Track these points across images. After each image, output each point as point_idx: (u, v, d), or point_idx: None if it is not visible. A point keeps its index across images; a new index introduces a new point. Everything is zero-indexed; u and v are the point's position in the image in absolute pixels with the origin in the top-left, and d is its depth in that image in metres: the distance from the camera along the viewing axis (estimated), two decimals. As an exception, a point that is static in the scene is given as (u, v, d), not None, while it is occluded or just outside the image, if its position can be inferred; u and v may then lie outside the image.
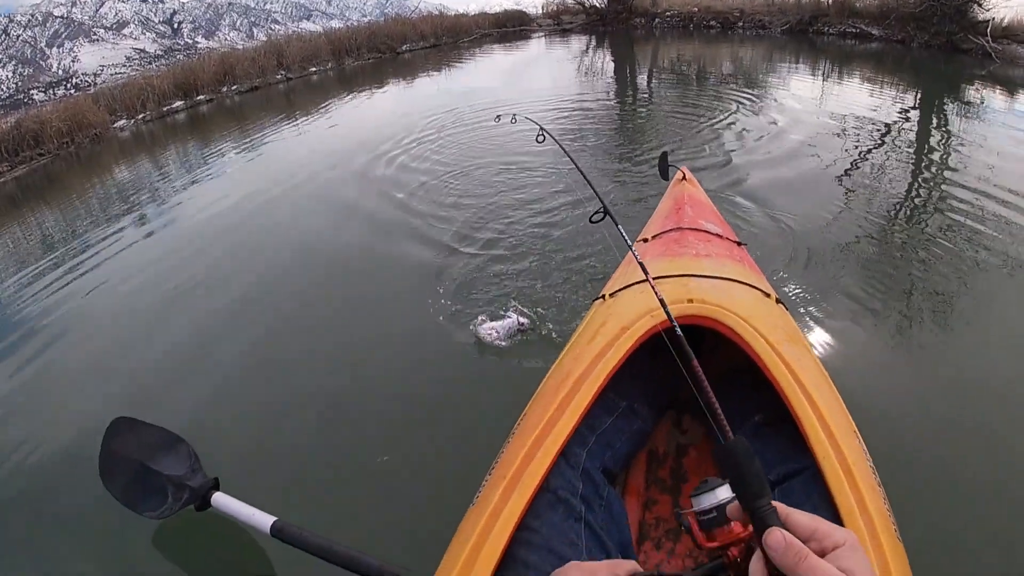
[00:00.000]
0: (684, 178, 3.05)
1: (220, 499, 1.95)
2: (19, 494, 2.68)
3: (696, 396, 1.14)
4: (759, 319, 1.60)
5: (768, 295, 1.90)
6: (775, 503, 0.69)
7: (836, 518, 1.14)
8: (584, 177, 2.17)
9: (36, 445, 2.95)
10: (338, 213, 5.46)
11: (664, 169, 3.27)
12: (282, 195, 6.26)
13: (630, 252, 2.40)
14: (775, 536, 0.65)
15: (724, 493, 0.75)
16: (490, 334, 2.99)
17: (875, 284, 3.30)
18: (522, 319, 3.05)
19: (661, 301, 1.46)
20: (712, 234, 2.31)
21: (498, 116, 3.30)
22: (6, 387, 3.49)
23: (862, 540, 1.09)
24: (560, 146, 2.43)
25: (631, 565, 0.83)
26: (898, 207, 4.42)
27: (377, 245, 4.59)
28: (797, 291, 3.24)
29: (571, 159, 2.29)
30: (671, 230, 2.34)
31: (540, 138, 2.56)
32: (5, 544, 2.46)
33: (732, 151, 5.84)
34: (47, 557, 2.36)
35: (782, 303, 1.95)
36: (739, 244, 2.39)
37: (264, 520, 1.63)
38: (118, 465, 2.23)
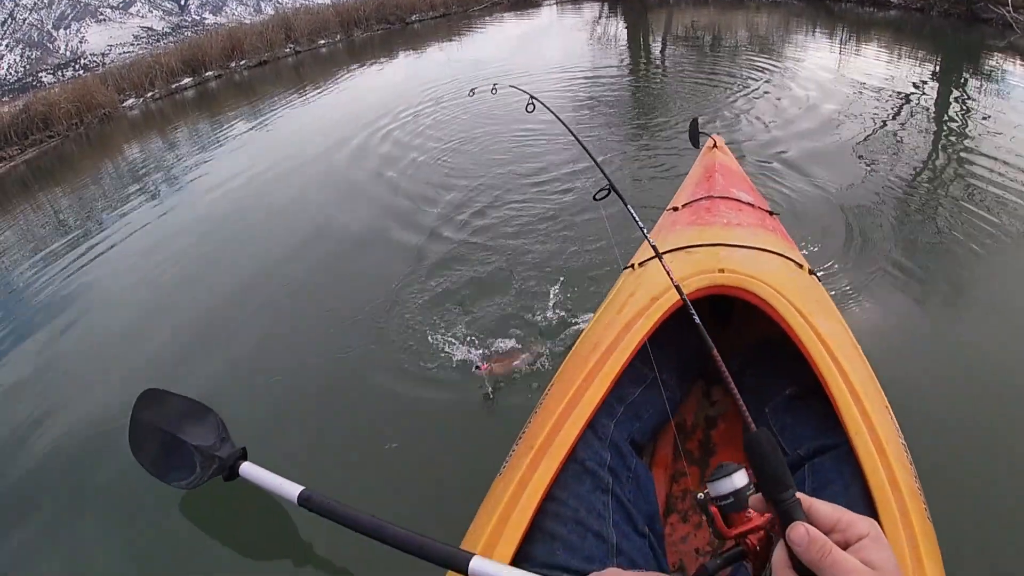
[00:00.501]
0: (715, 146, 2.98)
1: (248, 469, 1.95)
2: (51, 466, 2.73)
3: (727, 368, 1.12)
4: (791, 290, 1.56)
5: (801, 266, 1.86)
6: (799, 494, 0.68)
7: (867, 496, 1.12)
8: (586, 151, 2.09)
9: (67, 418, 3.01)
10: (357, 186, 5.43)
11: (695, 136, 3.19)
12: (297, 168, 6.25)
13: (659, 221, 2.37)
14: (799, 531, 0.64)
15: (741, 479, 0.75)
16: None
17: (913, 257, 3.20)
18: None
19: (677, 286, 1.42)
20: (744, 203, 2.26)
21: (472, 90, 3.11)
22: (37, 363, 3.56)
23: (892, 520, 1.06)
24: (556, 116, 2.35)
25: None
26: (935, 176, 4.31)
27: (397, 214, 4.58)
28: (831, 262, 3.16)
29: (570, 131, 2.20)
30: (701, 198, 2.28)
31: (530, 107, 2.42)
32: (38, 515, 2.50)
33: (751, 120, 5.73)
34: (78, 527, 2.41)
35: (815, 274, 1.90)
36: (771, 214, 2.34)
37: (292, 489, 1.64)
38: (147, 436, 2.25)
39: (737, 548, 0.75)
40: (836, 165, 4.50)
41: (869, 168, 4.42)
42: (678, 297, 1.53)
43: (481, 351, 2.75)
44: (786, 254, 1.85)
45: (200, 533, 2.23)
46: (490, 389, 2.56)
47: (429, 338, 2.96)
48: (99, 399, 3.09)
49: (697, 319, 1.21)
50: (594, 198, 1.74)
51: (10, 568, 2.32)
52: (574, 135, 2.17)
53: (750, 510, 0.74)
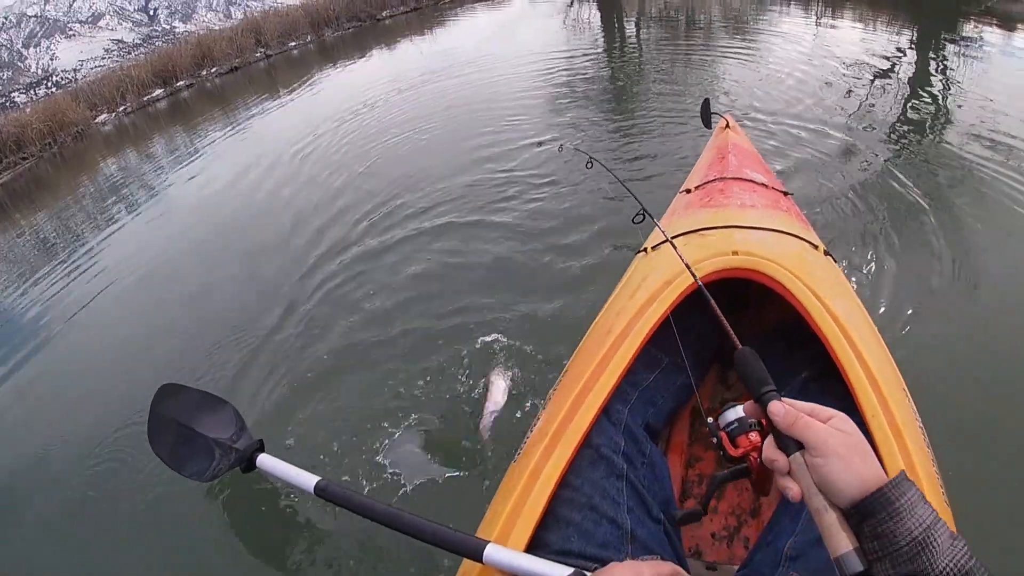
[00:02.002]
0: (727, 126, 2.94)
1: (265, 460, 1.96)
2: (73, 459, 2.78)
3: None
4: (806, 272, 1.53)
5: (816, 247, 1.83)
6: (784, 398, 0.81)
7: None
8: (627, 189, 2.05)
9: (88, 415, 3.07)
10: (351, 179, 5.49)
11: (706, 117, 3.14)
12: (290, 164, 6.33)
13: (672, 204, 2.35)
14: (776, 405, 0.79)
15: (741, 410, 0.92)
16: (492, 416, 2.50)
17: (931, 237, 3.15)
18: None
19: (691, 269, 1.40)
20: (758, 184, 2.23)
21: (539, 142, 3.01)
22: (56, 366, 3.67)
23: None
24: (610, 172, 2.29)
25: (670, 568, 0.88)
26: (935, 146, 4.28)
27: (400, 202, 4.63)
28: (846, 242, 3.12)
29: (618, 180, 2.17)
30: (714, 180, 2.26)
31: (589, 165, 2.44)
32: (62, 505, 2.56)
33: (730, 97, 5.72)
34: (101, 518, 2.46)
35: (830, 255, 1.87)
36: (786, 194, 2.31)
37: (308, 480, 1.64)
38: (166, 429, 2.26)
39: (742, 465, 0.90)
40: (821, 140, 4.49)
41: (860, 141, 4.41)
42: (691, 281, 1.52)
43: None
44: (801, 235, 1.83)
45: (220, 523, 2.27)
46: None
47: (445, 329, 2.97)
48: (119, 395, 3.14)
49: (711, 299, 1.20)
50: (632, 221, 1.81)
51: (34, 556, 2.36)
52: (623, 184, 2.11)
53: (752, 433, 0.91)
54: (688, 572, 1.17)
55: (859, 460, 0.72)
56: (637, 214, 1.82)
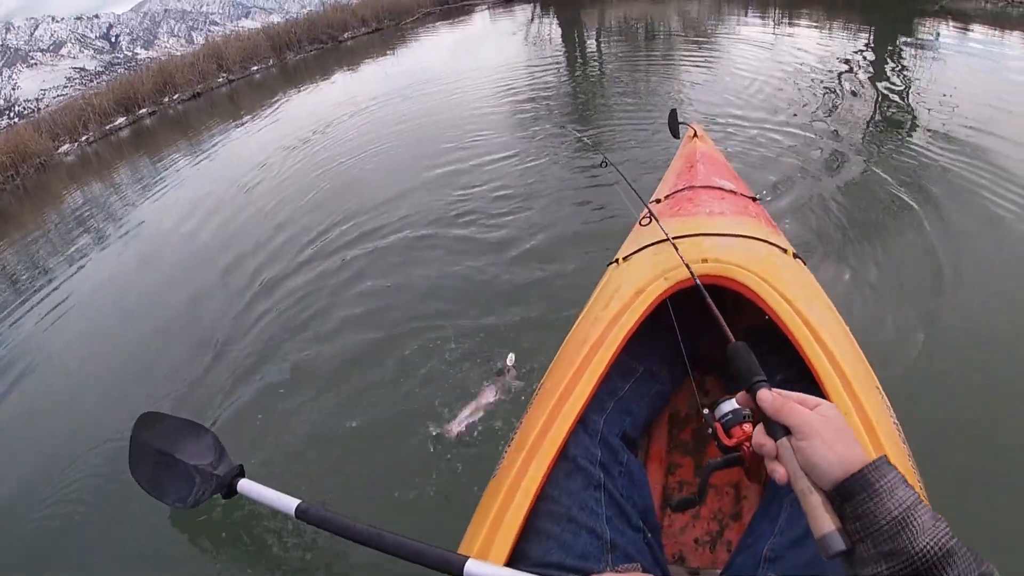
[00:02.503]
0: (696, 135, 2.98)
1: (246, 485, 1.96)
2: (54, 491, 2.73)
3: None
4: (776, 276, 1.56)
5: (785, 251, 1.86)
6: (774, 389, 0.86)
7: None
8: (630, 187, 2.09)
9: (68, 445, 3.01)
10: (324, 200, 5.49)
11: (674, 127, 3.15)
12: (256, 186, 6.36)
13: (643, 213, 2.37)
14: (764, 392, 0.84)
15: (735, 402, 0.95)
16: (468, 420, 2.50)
17: (900, 233, 3.22)
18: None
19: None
20: (726, 191, 2.26)
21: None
22: (33, 397, 3.61)
23: None
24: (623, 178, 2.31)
25: None
26: (888, 142, 4.42)
27: (373, 219, 4.63)
28: (816, 244, 3.18)
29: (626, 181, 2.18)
30: (683, 189, 2.28)
31: (603, 164, 2.39)
32: (41, 537, 2.51)
33: (692, 104, 5.82)
34: (80, 549, 2.42)
35: (800, 258, 1.90)
36: (755, 199, 2.34)
37: (289, 503, 1.65)
38: (146, 458, 2.25)
39: (736, 454, 0.94)
40: (786, 144, 4.59)
41: (824, 142, 4.52)
42: (663, 289, 1.54)
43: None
44: (770, 240, 1.85)
45: (202, 550, 2.24)
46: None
47: (422, 348, 2.97)
48: (97, 425, 3.08)
49: (707, 297, 1.23)
50: (639, 223, 1.93)
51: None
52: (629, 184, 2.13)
53: (745, 424, 0.94)
54: None
55: (842, 444, 0.75)
56: (643, 217, 1.91)
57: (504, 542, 1.10)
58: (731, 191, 2.27)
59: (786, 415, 0.80)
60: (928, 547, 0.66)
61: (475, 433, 2.40)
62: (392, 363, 2.94)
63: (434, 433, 2.43)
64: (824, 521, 0.73)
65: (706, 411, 0.98)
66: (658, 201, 2.34)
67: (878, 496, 0.70)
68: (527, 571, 1.03)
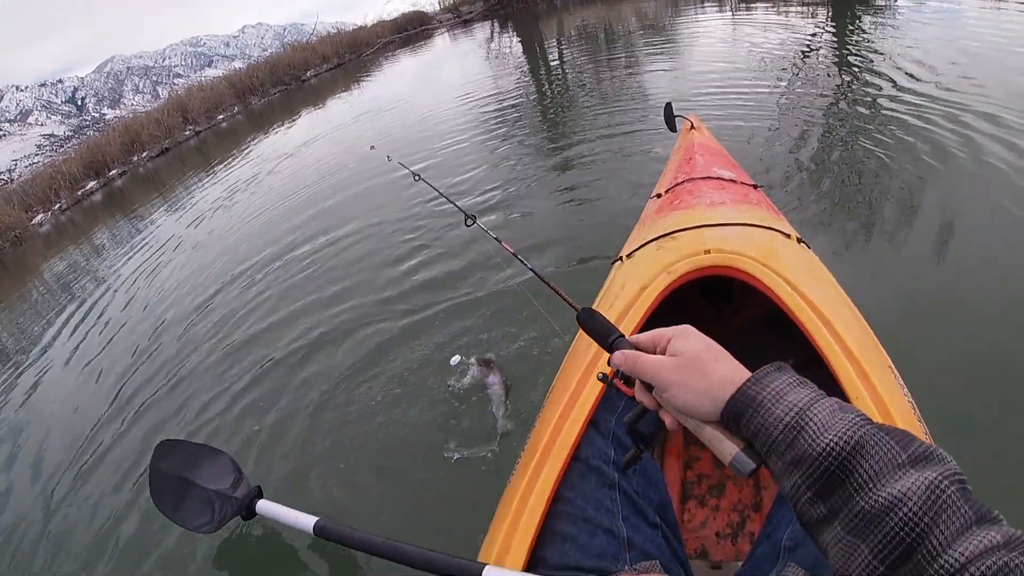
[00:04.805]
0: (692, 127, 2.97)
1: (265, 506, 1.97)
2: (79, 518, 2.77)
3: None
4: (781, 262, 1.55)
5: (789, 236, 1.84)
6: (628, 336, 0.86)
7: None
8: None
9: (92, 478, 3.05)
10: (320, 225, 5.54)
11: (670, 120, 3.15)
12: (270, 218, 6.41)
13: (644, 211, 2.37)
14: (615, 357, 0.82)
15: None
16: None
17: (903, 205, 3.19)
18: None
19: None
20: (726, 180, 2.25)
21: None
22: (55, 432, 3.67)
23: None
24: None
25: None
26: (864, 115, 4.45)
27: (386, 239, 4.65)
28: (819, 226, 3.18)
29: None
30: (683, 182, 2.27)
31: (416, 178, 2.67)
32: (69, 566, 2.53)
33: (664, 99, 5.82)
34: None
35: (804, 242, 1.89)
36: (755, 187, 2.33)
37: (307, 521, 1.65)
38: (167, 485, 2.27)
39: (640, 405, 0.86)
40: (772, 126, 4.62)
41: (809, 118, 4.58)
42: (666, 284, 1.53)
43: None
44: (773, 226, 1.84)
45: (222, 572, 2.26)
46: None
47: (433, 359, 2.98)
48: (117, 456, 3.13)
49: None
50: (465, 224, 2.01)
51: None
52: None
53: None
54: (691, 573, 1.17)
55: (698, 376, 0.72)
56: (467, 218, 2.00)
57: (520, 547, 1.09)
58: (731, 180, 2.26)
59: (640, 374, 0.78)
60: (831, 444, 0.60)
61: (491, 430, 2.43)
62: (403, 378, 2.94)
63: (450, 445, 2.44)
64: (726, 447, 0.70)
65: (600, 375, 0.94)
66: (659, 196, 2.33)
67: (764, 407, 0.66)
68: (545, 574, 1.03)
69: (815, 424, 0.62)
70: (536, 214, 4.26)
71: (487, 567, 1.07)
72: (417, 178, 2.65)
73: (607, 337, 0.88)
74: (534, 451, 1.27)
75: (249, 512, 2.02)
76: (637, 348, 0.82)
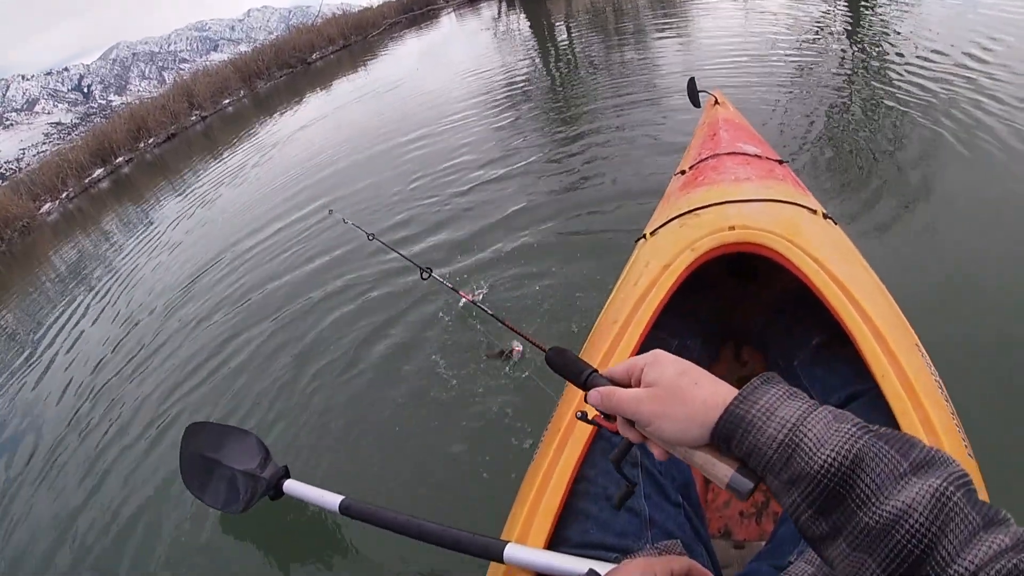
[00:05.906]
0: (717, 102, 2.92)
1: (291, 486, 2.00)
2: (113, 504, 2.83)
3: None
4: (806, 238, 1.52)
5: (815, 212, 1.81)
6: (601, 370, 0.82)
7: None
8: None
9: (123, 459, 3.13)
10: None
11: (694, 96, 3.08)
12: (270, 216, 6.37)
13: (668, 188, 2.34)
14: (590, 396, 0.79)
15: None
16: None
17: (926, 186, 3.12)
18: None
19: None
20: (751, 156, 2.21)
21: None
22: (91, 422, 3.70)
23: None
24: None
25: (684, 562, 0.83)
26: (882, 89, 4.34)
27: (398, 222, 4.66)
28: (847, 201, 3.12)
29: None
30: (707, 158, 2.24)
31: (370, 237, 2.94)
32: (103, 548, 2.61)
33: (675, 73, 5.75)
34: (141, 561, 2.49)
35: (830, 218, 1.85)
36: (781, 162, 2.28)
37: (333, 500, 1.68)
38: (196, 467, 2.32)
39: (625, 440, 0.83)
40: (795, 100, 4.54)
41: (833, 92, 4.50)
42: (690, 261, 1.51)
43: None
44: (798, 202, 1.81)
45: (252, 550, 2.31)
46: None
47: (464, 343, 2.99)
48: (152, 437, 3.20)
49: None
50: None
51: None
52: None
53: None
54: (713, 552, 1.17)
55: (678, 404, 0.69)
56: (423, 271, 2.21)
57: (543, 525, 1.10)
58: (756, 155, 2.22)
59: (618, 410, 0.75)
60: (829, 461, 0.57)
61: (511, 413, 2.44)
62: (426, 362, 2.95)
63: (474, 426, 2.46)
64: (720, 470, 0.67)
65: (579, 414, 0.91)
66: (683, 172, 2.30)
67: (754, 427, 0.63)
68: (567, 552, 1.03)
69: (810, 440, 0.60)
70: (555, 190, 4.23)
71: (509, 544, 1.08)
72: (372, 237, 2.79)
73: (579, 375, 0.84)
74: (557, 429, 1.27)
75: (277, 492, 2.05)
76: (612, 381, 0.79)
